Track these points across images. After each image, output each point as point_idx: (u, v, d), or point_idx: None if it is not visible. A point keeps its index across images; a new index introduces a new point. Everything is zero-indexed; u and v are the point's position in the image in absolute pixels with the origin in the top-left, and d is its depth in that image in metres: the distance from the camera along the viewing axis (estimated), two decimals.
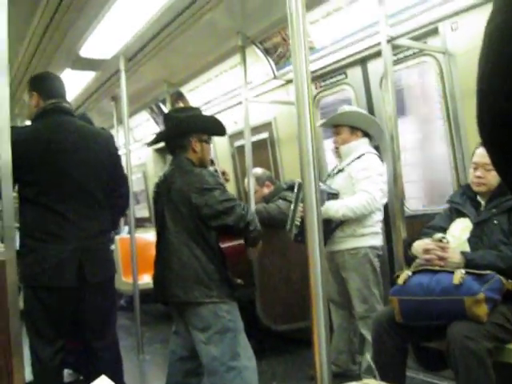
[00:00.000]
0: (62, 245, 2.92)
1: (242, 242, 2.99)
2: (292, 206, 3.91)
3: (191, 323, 2.96)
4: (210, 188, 2.87)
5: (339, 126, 3.91)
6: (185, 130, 3.07)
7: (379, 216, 3.76)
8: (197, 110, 3.35)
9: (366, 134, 3.90)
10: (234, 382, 2.87)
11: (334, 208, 3.60)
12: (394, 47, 3.59)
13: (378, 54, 3.91)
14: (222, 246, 2.92)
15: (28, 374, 3.01)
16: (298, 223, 3.69)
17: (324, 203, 3.58)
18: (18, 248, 2.80)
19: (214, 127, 3.23)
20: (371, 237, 3.70)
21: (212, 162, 3.30)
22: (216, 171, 3.19)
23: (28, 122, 3.29)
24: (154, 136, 3.38)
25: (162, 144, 3.45)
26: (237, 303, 3.02)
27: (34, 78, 3.34)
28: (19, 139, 2.78)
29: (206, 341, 2.90)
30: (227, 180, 3.37)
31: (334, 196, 3.69)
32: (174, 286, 2.91)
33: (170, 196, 2.97)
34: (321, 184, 3.63)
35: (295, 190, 3.84)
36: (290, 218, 3.88)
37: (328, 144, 4.97)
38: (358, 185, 3.65)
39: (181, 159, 3.05)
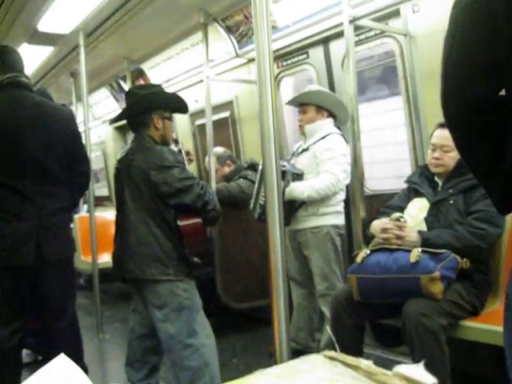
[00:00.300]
0: (20, 223, 2.86)
1: (199, 220, 2.99)
2: (256, 185, 3.91)
3: (149, 301, 2.96)
4: (169, 166, 2.86)
5: (305, 105, 3.90)
6: (146, 107, 3.04)
7: (342, 195, 3.79)
8: (158, 86, 3.32)
9: (331, 115, 3.91)
10: (191, 359, 2.89)
11: (298, 189, 3.62)
12: (356, 28, 3.60)
13: (340, 35, 3.92)
14: (180, 224, 2.92)
15: None
16: (262, 203, 3.68)
17: (289, 184, 3.60)
18: None
19: (176, 104, 3.20)
20: (334, 216, 3.74)
21: (176, 142, 3.27)
22: (180, 151, 3.17)
23: None
24: (115, 114, 3.33)
25: (121, 122, 3.41)
26: (195, 281, 3.03)
27: None
28: None
29: (163, 318, 2.91)
30: (191, 160, 3.35)
31: (298, 176, 3.69)
32: (131, 263, 2.90)
33: (129, 173, 2.94)
34: (286, 164, 3.64)
35: (259, 169, 3.83)
36: (254, 198, 3.89)
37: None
38: (323, 165, 3.66)
39: (142, 136, 3.02)
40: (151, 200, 2.88)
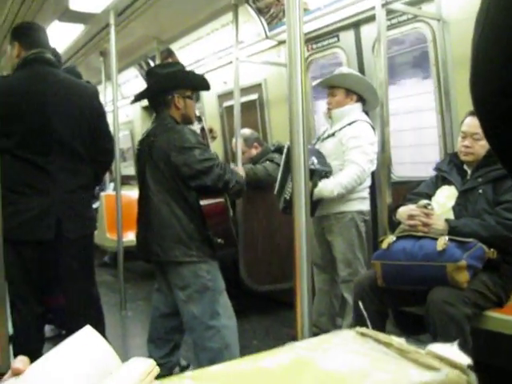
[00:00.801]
0: (41, 198, 2.87)
1: (221, 200, 2.98)
2: (280, 172, 3.87)
3: (172, 282, 2.98)
4: (190, 147, 2.83)
5: (335, 88, 3.84)
6: (167, 87, 3.01)
7: (367, 182, 3.76)
8: (179, 65, 3.28)
9: (360, 99, 3.86)
10: (212, 340, 2.91)
11: (328, 189, 3.57)
12: (389, 12, 3.54)
13: (371, 19, 3.86)
14: (202, 204, 2.90)
15: (11, 328, 3.03)
16: (288, 197, 3.64)
17: (317, 183, 3.56)
18: None
19: (197, 82, 3.17)
20: (359, 201, 3.71)
21: (200, 119, 3.25)
22: (203, 128, 3.15)
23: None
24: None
25: None
26: (218, 263, 3.03)
27: (15, 27, 3.22)
28: None
29: (186, 299, 2.93)
30: (214, 138, 3.33)
31: (326, 174, 3.63)
32: (155, 245, 2.91)
33: (151, 154, 2.93)
34: (314, 159, 3.57)
35: (284, 153, 3.79)
36: (278, 189, 3.84)
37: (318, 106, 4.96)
38: (348, 154, 3.62)
39: (163, 116, 3.00)
40: (173, 181, 2.88)
